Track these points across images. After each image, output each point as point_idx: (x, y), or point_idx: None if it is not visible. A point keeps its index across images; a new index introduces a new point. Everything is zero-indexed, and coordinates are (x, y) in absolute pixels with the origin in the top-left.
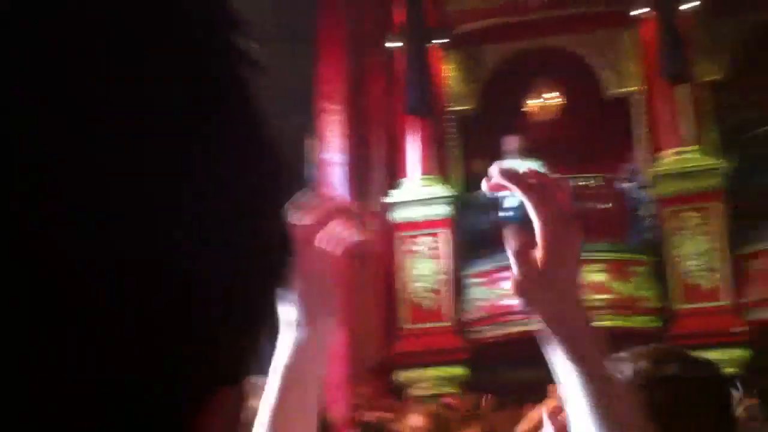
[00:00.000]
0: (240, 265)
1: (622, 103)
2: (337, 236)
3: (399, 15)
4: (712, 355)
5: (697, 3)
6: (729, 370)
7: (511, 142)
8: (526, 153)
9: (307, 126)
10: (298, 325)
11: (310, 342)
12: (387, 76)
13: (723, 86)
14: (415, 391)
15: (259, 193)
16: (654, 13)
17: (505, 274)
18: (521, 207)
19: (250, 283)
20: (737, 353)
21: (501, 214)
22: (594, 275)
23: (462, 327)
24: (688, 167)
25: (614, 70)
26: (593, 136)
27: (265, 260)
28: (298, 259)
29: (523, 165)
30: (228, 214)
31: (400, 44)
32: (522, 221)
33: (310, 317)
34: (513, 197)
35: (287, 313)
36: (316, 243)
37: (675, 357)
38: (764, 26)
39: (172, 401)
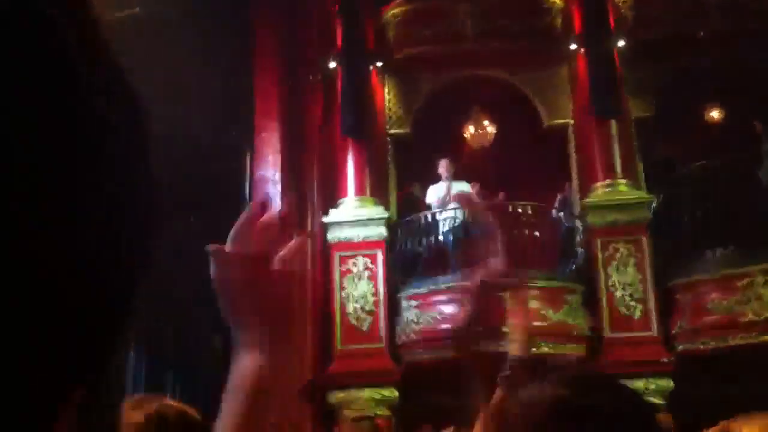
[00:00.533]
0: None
1: (558, 133)
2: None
3: (340, 37)
4: (638, 384)
5: (624, 43)
6: (654, 399)
7: (445, 165)
8: (459, 177)
9: (245, 141)
10: (243, 347)
11: (251, 368)
12: (326, 96)
13: (650, 124)
14: (348, 413)
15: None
16: (585, 50)
17: (439, 297)
18: (458, 229)
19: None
20: (662, 383)
21: (441, 236)
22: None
23: (396, 349)
24: (617, 199)
25: (549, 103)
26: (529, 165)
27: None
28: (256, 280)
29: (456, 187)
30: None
31: (339, 65)
32: (459, 241)
33: (257, 340)
34: (450, 220)
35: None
36: (274, 265)
37: (597, 385)
38: (688, 69)
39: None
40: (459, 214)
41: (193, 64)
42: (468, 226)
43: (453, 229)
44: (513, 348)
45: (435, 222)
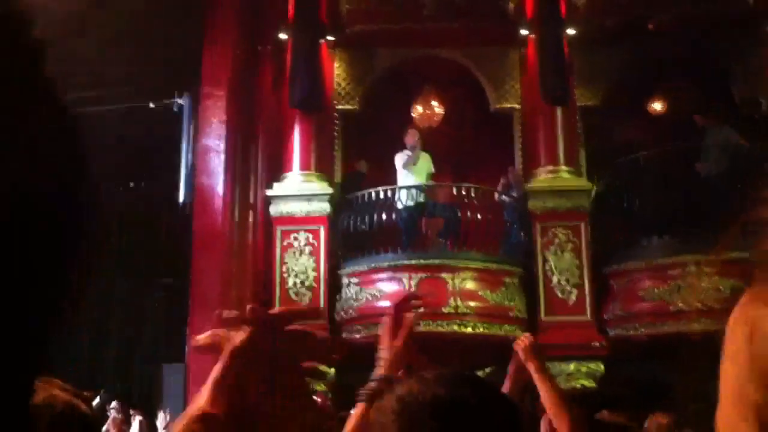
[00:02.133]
0: None
1: (506, 117)
2: None
3: (292, 7)
4: (570, 366)
5: (574, 32)
6: (585, 382)
7: (411, 134)
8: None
9: (191, 108)
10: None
11: None
12: (275, 67)
13: (596, 112)
14: None
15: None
16: (536, 36)
17: (380, 275)
18: (414, 208)
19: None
20: (594, 366)
21: (402, 213)
22: (465, 283)
23: (336, 326)
24: (559, 186)
25: (498, 86)
26: (475, 147)
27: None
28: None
29: (423, 157)
30: None
31: (290, 37)
32: (414, 221)
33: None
34: (407, 197)
35: None
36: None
37: (470, 384)
38: (636, 59)
39: None
40: (416, 192)
41: (141, 23)
42: (426, 207)
43: (411, 208)
44: (380, 367)
45: (379, 199)
